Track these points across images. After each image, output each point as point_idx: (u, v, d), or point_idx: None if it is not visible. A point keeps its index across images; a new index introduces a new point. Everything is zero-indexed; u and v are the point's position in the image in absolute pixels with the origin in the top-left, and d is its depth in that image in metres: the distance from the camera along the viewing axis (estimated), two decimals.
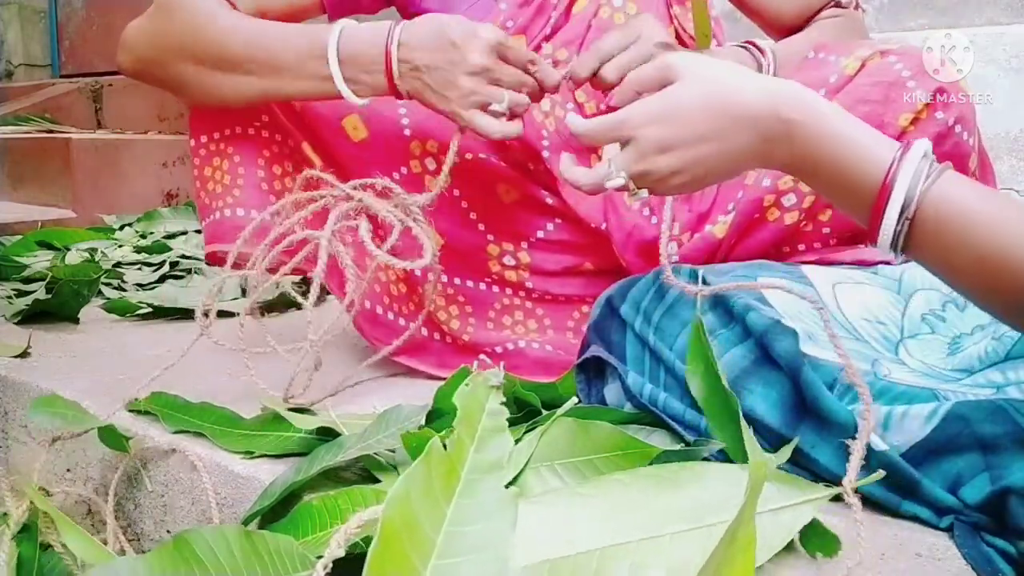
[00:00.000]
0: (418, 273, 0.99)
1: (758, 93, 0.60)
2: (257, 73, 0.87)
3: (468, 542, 0.46)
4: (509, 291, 1.01)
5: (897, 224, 0.56)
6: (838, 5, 1.04)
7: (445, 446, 0.50)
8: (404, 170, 0.97)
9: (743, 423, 0.61)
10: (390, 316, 0.98)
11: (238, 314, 1.05)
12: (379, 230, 0.94)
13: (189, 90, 0.91)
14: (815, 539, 0.55)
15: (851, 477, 0.56)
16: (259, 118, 0.96)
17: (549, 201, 0.98)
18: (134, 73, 0.94)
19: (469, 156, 0.95)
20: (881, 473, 0.58)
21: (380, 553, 0.43)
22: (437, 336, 1.00)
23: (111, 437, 0.77)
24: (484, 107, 0.81)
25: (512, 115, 0.83)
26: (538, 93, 0.85)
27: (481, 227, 0.99)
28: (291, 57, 0.85)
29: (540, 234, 0.99)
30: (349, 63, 0.83)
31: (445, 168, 0.85)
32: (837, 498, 0.58)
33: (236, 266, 0.82)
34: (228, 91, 0.89)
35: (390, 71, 0.82)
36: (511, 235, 0.99)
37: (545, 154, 0.95)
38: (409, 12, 1.05)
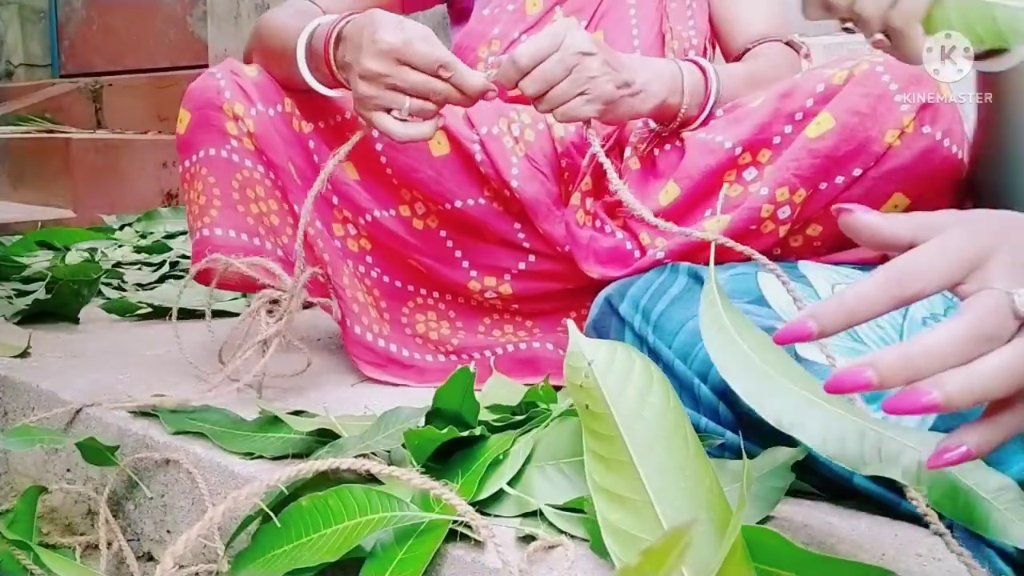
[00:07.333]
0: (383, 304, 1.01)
1: None
2: (276, 62, 0.93)
3: None
4: (497, 307, 1.03)
5: None
6: (789, 44, 1.05)
7: None
8: (392, 212, 0.99)
9: None
10: (368, 337, 0.97)
11: (238, 314, 1.05)
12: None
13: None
14: None
15: None
16: (228, 143, 0.95)
17: (526, 245, 0.98)
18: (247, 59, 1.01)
19: (459, 204, 0.97)
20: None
21: None
22: (429, 357, 1.00)
23: (92, 453, 0.76)
24: (388, 110, 0.79)
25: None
26: (465, 99, 0.79)
27: (465, 264, 1.00)
28: (288, 49, 0.89)
29: (521, 266, 1.00)
30: (311, 55, 0.87)
31: (341, 150, 0.84)
32: (802, 493, 0.63)
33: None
34: (276, 75, 0.96)
35: (328, 62, 0.84)
36: (493, 270, 1.00)
37: (514, 183, 0.93)
38: (456, 8, 1.06)
